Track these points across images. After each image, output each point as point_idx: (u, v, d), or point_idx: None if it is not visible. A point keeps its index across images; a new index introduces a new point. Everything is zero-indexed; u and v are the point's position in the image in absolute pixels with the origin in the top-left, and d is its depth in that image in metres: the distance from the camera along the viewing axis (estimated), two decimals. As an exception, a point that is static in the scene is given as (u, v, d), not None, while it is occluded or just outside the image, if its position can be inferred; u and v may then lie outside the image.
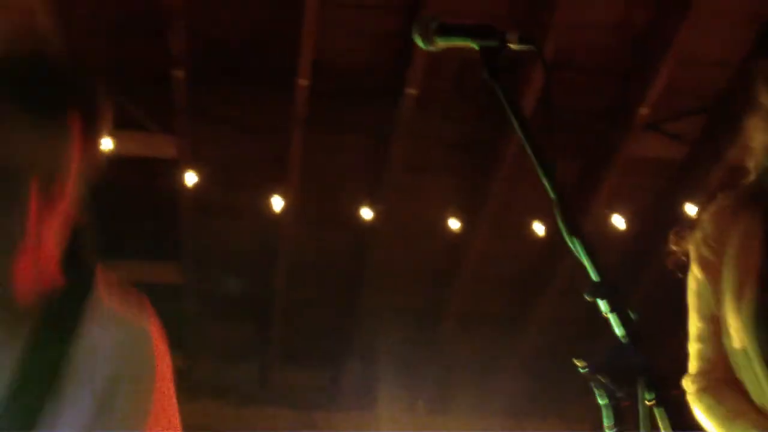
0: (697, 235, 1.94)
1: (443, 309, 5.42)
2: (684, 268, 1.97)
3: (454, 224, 4.87)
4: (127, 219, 4.45)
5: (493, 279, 5.32)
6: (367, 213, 4.79)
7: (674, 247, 2.00)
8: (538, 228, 4.89)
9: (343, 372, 5.88)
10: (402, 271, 5.27)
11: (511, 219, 4.92)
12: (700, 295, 1.93)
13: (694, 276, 1.94)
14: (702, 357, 1.93)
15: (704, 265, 1.92)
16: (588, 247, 1.33)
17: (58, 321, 1.41)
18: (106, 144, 4.46)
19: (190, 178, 4.61)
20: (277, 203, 4.70)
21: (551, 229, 4.82)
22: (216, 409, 5.72)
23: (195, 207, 4.73)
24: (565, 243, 1.37)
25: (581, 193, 4.72)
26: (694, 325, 1.95)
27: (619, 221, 4.82)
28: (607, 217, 4.79)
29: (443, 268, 5.26)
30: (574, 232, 1.35)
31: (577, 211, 1.38)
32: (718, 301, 1.89)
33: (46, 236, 1.39)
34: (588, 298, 1.32)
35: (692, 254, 1.95)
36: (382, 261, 5.13)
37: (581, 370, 1.24)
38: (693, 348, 1.95)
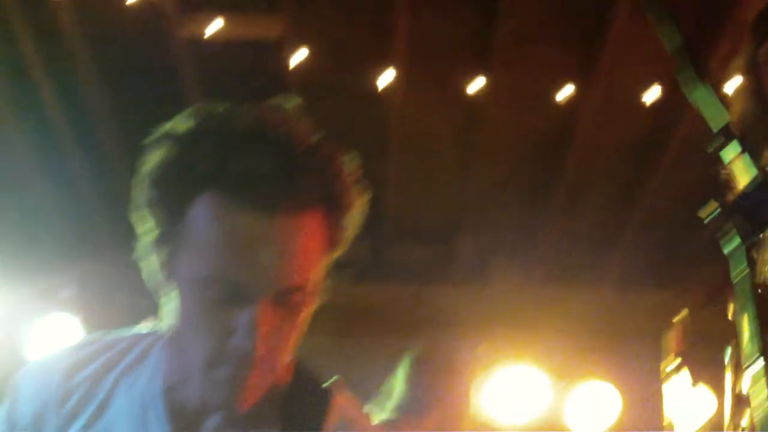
0: None
1: (555, 180, 5.38)
2: None
3: (564, 93, 4.79)
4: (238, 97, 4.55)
5: (605, 149, 5.24)
6: (476, 86, 4.74)
7: None
8: (651, 94, 4.77)
9: (457, 246, 5.94)
10: (513, 143, 5.23)
11: (623, 86, 4.81)
12: None
13: None
14: None
15: None
16: (709, 94, 1.29)
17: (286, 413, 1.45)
18: (213, 28, 4.51)
19: (297, 59, 4.62)
20: (385, 80, 4.70)
21: (664, 94, 4.71)
22: (332, 286, 5.85)
23: (302, 88, 4.75)
24: (680, 108, 1.33)
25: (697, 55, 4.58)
26: None
27: (735, 83, 4.65)
28: (724, 80, 4.63)
29: (554, 139, 5.20)
30: (694, 77, 1.30)
31: (697, 59, 1.33)
32: None
33: (282, 346, 1.38)
34: (710, 150, 1.29)
35: None
36: (493, 134, 5.10)
37: (709, 218, 1.22)
38: None
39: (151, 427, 1.47)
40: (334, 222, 1.39)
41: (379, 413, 3.63)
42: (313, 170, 1.32)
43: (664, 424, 2.81)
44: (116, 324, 1.59)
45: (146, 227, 1.38)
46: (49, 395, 1.51)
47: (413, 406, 3.57)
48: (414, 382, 3.61)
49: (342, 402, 1.52)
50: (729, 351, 1.84)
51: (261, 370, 1.35)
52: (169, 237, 1.36)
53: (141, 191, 1.37)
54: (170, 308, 1.43)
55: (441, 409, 3.58)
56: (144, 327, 1.56)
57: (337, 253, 1.45)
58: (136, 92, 4.64)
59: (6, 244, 4.89)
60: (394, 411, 3.59)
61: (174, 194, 1.33)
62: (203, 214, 1.31)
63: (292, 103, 1.40)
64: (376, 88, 4.72)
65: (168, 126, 1.37)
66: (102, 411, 1.49)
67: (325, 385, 1.53)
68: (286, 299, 1.34)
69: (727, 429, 1.71)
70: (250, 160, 1.28)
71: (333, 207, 1.37)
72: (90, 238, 5.30)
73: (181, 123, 1.36)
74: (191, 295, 1.34)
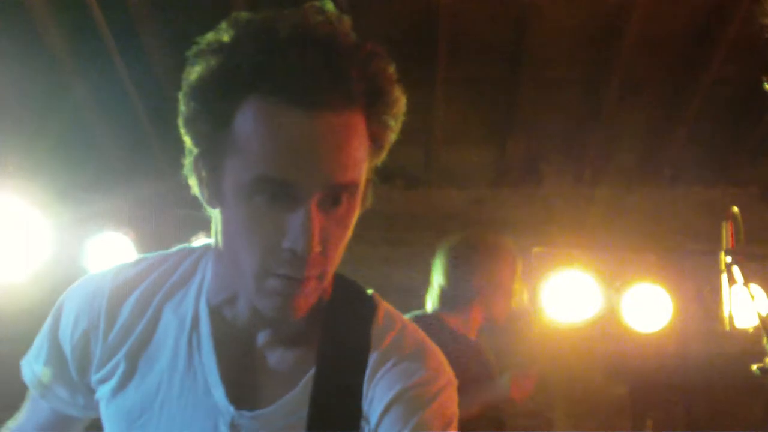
0: None
1: (606, 76, 5.27)
2: None
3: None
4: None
5: (657, 42, 5.11)
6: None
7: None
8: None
9: (508, 148, 5.90)
10: (563, 40, 5.12)
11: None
12: None
13: None
14: None
15: None
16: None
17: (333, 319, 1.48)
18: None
19: (343, -40, 4.55)
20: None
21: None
22: (384, 193, 5.87)
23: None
24: None
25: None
26: None
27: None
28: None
29: (605, 34, 5.07)
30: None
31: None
32: None
33: (332, 249, 1.38)
34: None
35: None
36: (543, 30, 5.00)
37: None
38: None
39: (198, 349, 1.49)
40: (376, 120, 1.38)
41: (427, 306, 3.64)
42: (356, 65, 1.32)
43: (723, 320, 2.81)
44: (170, 241, 1.60)
45: (193, 141, 1.39)
46: (95, 320, 1.53)
47: (455, 300, 3.57)
48: (455, 274, 3.59)
49: (384, 312, 1.53)
50: None
51: (314, 273, 1.36)
52: (215, 148, 1.36)
53: (186, 104, 1.37)
54: (217, 222, 1.43)
55: (483, 300, 3.58)
56: (192, 242, 1.56)
57: (381, 156, 1.44)
58: (185, 5, 4.63)
59: (59, 164, 4.95)
60: (436, 303, 3.59)
61: (218, 103, 1.33)
62: (249, 117, 1.31)
63: (331, 4, 1.38)
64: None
65: (208, 37, 1.36)
66: (148, 335, 1.51)
67: (366, 295, 1.53)
68: (334, 198, 1.34)
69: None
70: (293, 58, 1.28)
71: (375, 104, 1.36)
72: (142, 155, 5.35)
73: (221, 32, 1.35)
74: (239, 202, 1.34)
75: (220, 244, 1.44)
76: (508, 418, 3.83)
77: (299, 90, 1.28)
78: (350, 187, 1.35)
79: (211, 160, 1.37)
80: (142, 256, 1.62)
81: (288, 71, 1.28)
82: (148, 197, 5.13)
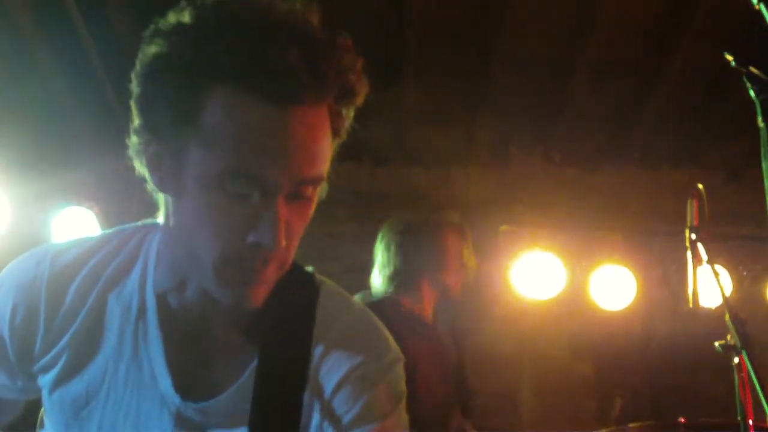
0: None
1: (576, 59, 5.28)
2: None
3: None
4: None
5: (627, 25, 5.11)
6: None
7: None
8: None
9: (477, 127, 5.89)
10: (534, 22, 5.11)
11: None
12: None
13: None
14: None
15: None
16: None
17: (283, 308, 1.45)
18: None
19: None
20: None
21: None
22: (352, 170, 5.86)
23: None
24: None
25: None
26: None
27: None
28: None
29: (576, 16, 5.07)
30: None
31: None
32: None
33: (294, 240, 1.37)
34: None
35: None
36: (514, 12, 4.98)
37: (732, 64, 1.19)
38: None
39: (144, 338, 1.46)
40: (338, 114, 1.37)
41: (376, 287, 3.66)
42: (332, 62, 1.30)
43: (687, 298, 2.83)
44: (134, 215, 1.56)
45: (149, 125, 1.35)
46: (36, 308, 1.48)
47: (404, 280, 3.59)
48: (401, 254, 3.62)
49: (327, 291, 1.52)
50: None
51: (278, 264, 1.35)
52: (177, 135, 1.31)
53: (142, 85, 1.33)
54: (171, 207, 1.39)
55: (432, 276, 3.61)
56: (156, 218, 1.51)
57: (335, 144, 1.42)
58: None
59: (25, 139, 4.88)
60: (389, 284, 3.61)
61: (185, 89, 1.29)
62: (220, 109, 1.28)
63: None
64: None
65: (171, 18, 1.33)
66: (91, 323, 1.47)
67: (307, 275, 1.51)
68: (300, 192, 1.33)
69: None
70: (271, 52, 1.25)
71: (342, 100, 1.35)
72: (108, 128, 5.29)
73: (190, 15, 1.31)
74: (203, 192, 1.30)
75: (173, 228, 1.40)
76: (474, 397, 3.85)
77: (276, 86, 1.26)
78: (317, 181, 1.34)
79: (172, 147, 1.33)
80: (78, 237, 1.58)
81: (265, 66, 1.25)
82: (113, 171, 5.07)
